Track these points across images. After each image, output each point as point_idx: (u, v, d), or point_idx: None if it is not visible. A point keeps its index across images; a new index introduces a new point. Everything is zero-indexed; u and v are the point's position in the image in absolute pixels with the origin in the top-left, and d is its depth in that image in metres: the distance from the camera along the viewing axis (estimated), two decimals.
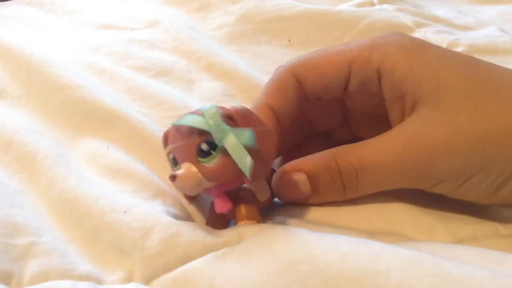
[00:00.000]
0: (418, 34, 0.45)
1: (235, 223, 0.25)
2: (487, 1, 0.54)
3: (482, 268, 0.20)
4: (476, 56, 0.41)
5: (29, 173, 0.29)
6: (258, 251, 0.22)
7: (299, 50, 0.44)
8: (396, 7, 0.48)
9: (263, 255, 0.22)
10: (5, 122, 0.33)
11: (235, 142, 0.22)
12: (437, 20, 0.47)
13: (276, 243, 0.22)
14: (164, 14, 0.48)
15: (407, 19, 0.46)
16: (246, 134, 0.23)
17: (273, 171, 0.28)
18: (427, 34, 0.45)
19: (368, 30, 0.45)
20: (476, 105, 0.24)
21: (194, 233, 0.24)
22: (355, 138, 0.30)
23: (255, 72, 0.40)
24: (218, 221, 0.26)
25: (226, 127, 0.23)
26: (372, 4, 0.49)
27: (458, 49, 0.42)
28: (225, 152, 0.23)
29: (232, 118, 0.23)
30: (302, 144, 0.32)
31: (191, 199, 0.28)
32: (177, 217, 0.26)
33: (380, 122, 0.28)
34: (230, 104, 0.24)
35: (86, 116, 0.33)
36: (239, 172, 0.23)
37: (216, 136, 0.23)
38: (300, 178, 0.26)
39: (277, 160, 0.31)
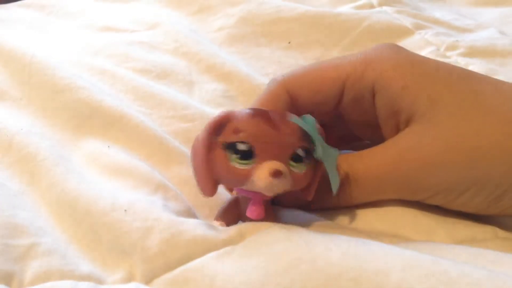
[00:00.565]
0: (418, 36, 0.45)
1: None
2: (487, 4, 0.54)
3: (480, 268, 0.20)
4: (476, 58, 0.42)
5: (30, 174, 0.29)
6: (258, 250, 0.22)
7: (298, 52, 0.44)
8: (395, 9, 0.48)
9: (263, 254, 0.22)
10: (5, 123, 0.33)
11: (333, 158, 0.23)
12: (436, 22, 0.47)
13: (277, 243, 0.22)
14: (164, 16, 0.48)
15: (406, 21, 0.46)
16: (333, 151, 0.23)
17: None
18: (427, 36, 0.45)
19: (368, 32, 0.45)
20: (468, 121, 0.25)
21: (194, 232, 0.24)
22: (351, 133, 0.31)
23: (255, 73, 0.40)
24: (232, 219, 0.26)
25: (323, 142, 0.23)
26: (372, 6, 0.49)
27: (458, 51, 0.42)
28: (313, 164, 0.23)
29: (319, 132, 0.23)
30: None
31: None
32: (178, 212, 0.26)
33: (376, 126, 0.28)
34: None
35: (88, 118, 0.33)
36: (307, 186, 0.24)
37: (318, 147, 0.23)
38: None
39: None
